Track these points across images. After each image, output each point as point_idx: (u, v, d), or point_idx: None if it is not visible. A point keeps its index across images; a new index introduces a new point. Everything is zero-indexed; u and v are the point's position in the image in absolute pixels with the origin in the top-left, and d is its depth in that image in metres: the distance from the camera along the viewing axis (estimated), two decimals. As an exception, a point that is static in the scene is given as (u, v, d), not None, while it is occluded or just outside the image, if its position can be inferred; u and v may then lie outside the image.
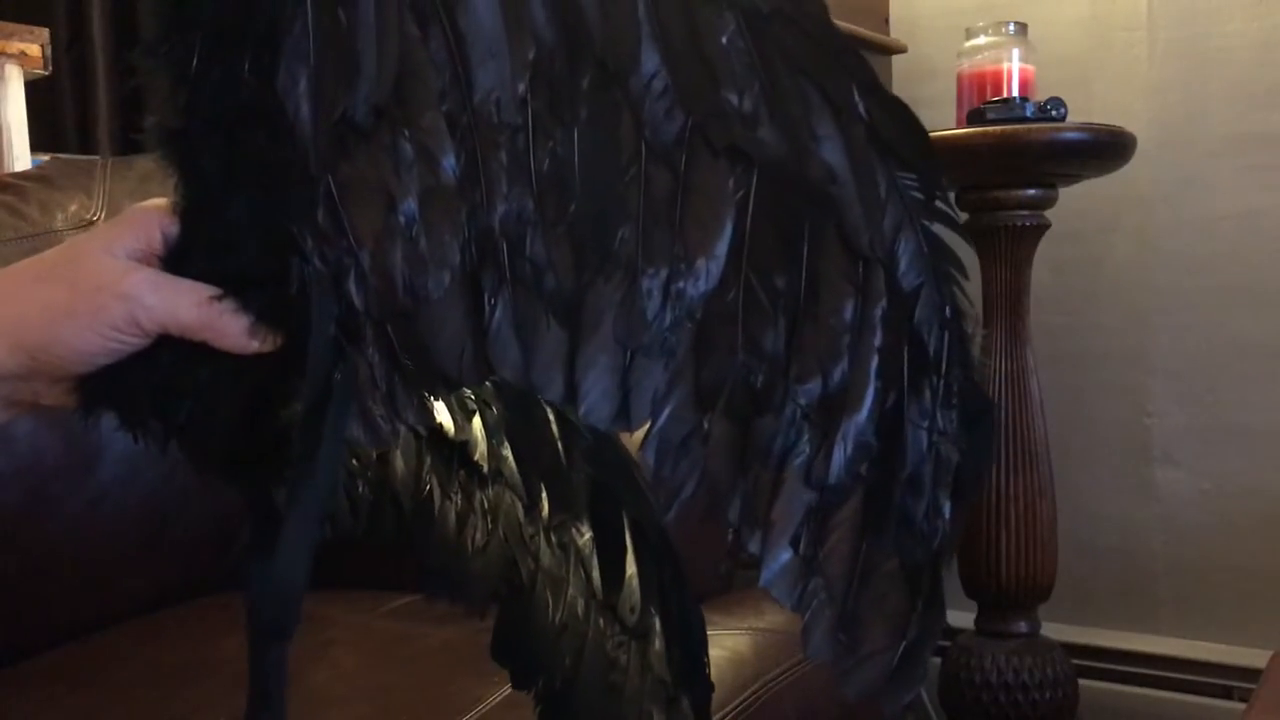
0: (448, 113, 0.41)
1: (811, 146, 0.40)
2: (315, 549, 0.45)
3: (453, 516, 0.57)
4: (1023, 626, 1.58)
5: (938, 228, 0.41)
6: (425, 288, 0.42)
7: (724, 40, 0.39)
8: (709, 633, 1.00)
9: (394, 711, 0.83)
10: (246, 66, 0.41)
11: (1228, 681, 1.73)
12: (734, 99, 0.40)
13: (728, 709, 0.90)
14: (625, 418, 0.42)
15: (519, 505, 0.57)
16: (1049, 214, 1.56)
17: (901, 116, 0.40)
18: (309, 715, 0.82)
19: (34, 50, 1.21)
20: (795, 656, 1.00)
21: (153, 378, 0.46)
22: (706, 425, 0.42)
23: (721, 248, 0.40)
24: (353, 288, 0.43)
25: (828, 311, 0.40)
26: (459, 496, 0.57)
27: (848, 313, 0.40)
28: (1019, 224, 1.54)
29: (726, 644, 0.99)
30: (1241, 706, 1.64)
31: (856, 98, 0.40)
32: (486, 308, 0.42)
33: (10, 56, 1.19)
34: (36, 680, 0.93)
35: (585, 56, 0.40)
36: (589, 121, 0.40)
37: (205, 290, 0.44)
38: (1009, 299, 1.57)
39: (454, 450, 0.57)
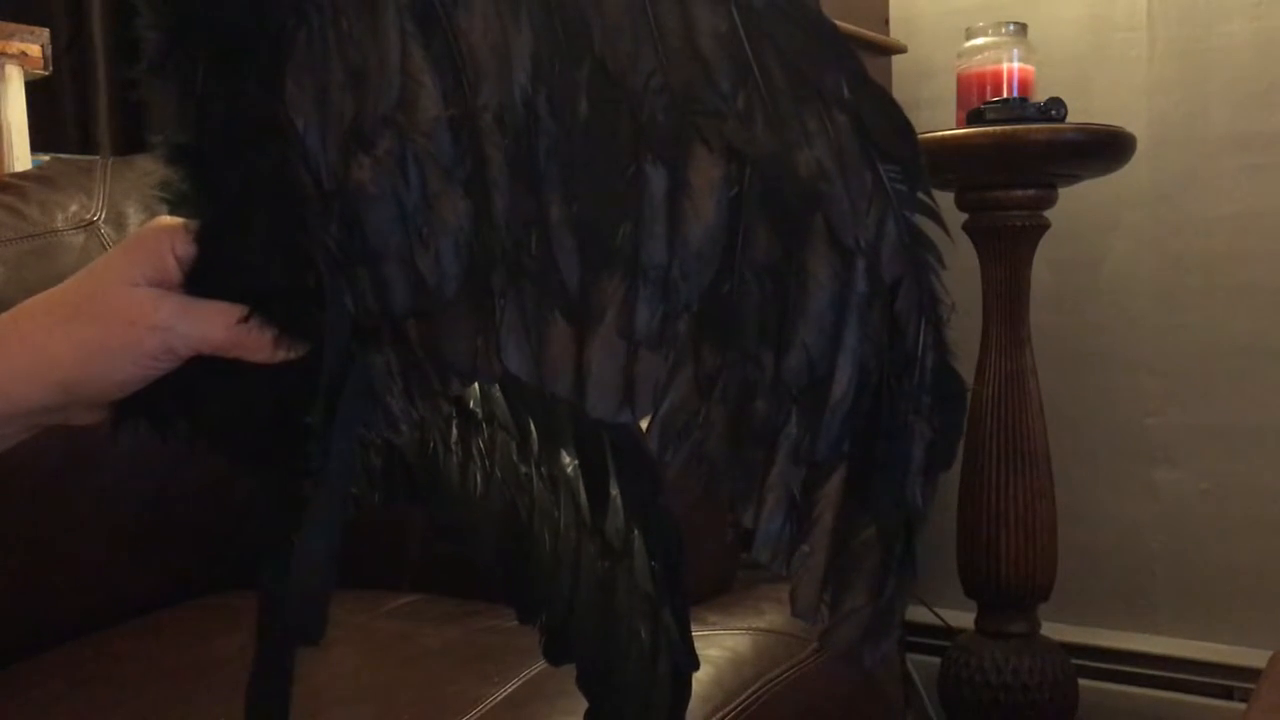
0: (451, 118, 0.42)
1: (802, 143, 0.41)
2: (337, 547, 0.46)
3: (455, 467, 0.60)
4: (1022, 626, 1.58)
5: (920, 219, 0.42)
6: (439, 290, 0.44)
7: (719, 37, 0.40)
8: (709, 633, 1.00)
9: (394, 711, 0.83)
10: (253, 82, 0.42)
11: (1228, 681, 1.73)
12: (728, 97, 0.41)
13: (728, 709, 0.90)
14: (630, 409, 0.44)
15: (512, 444, 0.61)
16: (1049, 214, 1.57)
17: (887, 109, 0.41)
18: (309, 715, 0.82)
19: (34, 50, 1.21)
20: (795, 656, 1.00)
21: (184, 389, 0.47)
22: (704, 412, 0.44)
23: (717, 243, 0.42)
24: (369, 294, 0.44)
25: (815, 303, 0.42)
26: (458, 448, 0.61)
27: (833, 304, 0.42)
28: (1019, 224, 1.54)
29: (726, 644, 0.99)
30: (1242, 707, 1.64)
31: (845, 91, 0.41)
32: (497, 307, 0.44)
33: (10, 57, 1.19)
34: (36, 680, 0.93)
35: (584, 57, 0.41)
36: (589, 121, 0.41)
37: (232, 311, 0.45)
38: (1008, 299, 1.57)
39: (449, 401, 0.61)
